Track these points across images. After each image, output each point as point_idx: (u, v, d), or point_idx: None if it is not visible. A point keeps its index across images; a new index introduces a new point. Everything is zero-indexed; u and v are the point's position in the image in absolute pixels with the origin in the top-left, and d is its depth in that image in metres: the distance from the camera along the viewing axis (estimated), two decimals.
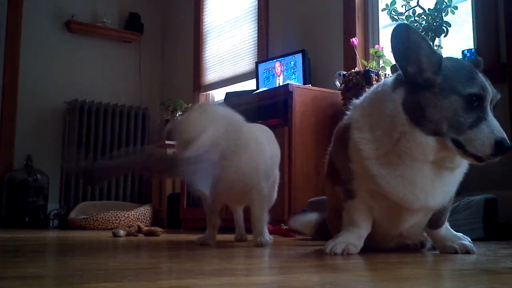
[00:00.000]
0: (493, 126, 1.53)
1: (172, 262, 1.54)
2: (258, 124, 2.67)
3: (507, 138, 1.50)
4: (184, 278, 1.11)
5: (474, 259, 1.56)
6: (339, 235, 1.78)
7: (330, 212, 2.05)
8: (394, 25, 1.60)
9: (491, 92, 1.58)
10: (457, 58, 1.71)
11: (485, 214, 2.70)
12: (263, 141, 2.38)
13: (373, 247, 1.85)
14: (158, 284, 1.01)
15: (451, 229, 1.83)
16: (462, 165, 1.69)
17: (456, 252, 1.72)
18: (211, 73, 5.90)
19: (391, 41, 1.59)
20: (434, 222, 1.78)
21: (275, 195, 2.60)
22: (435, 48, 1.71)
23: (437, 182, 1.63)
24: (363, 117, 1.68)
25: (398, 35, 1.58)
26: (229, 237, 2.83)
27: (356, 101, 1.77)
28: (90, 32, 6.22)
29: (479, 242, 2.47)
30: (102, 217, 4.86)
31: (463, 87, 1.54)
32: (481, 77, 1.59)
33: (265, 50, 5.07)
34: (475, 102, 1.54)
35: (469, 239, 1.82)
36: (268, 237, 2.28)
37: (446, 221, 1.81)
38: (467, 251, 1.72)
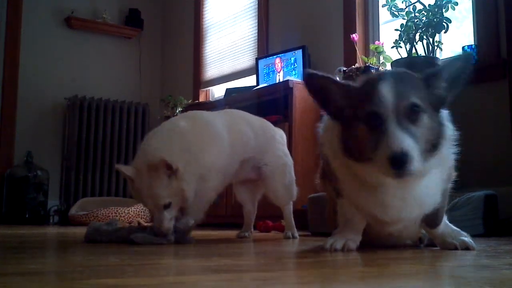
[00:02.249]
0: (388, 142, 1.41)
1: (173, 258, 1.55)
2: (232, 112, 2.69)
3: (402, 149, 1.39)
4: (184, 274, 1.11)
5: (474, 255, 1.56)
6: (337, 231, 1.79)
7: (329, 208, 2.05)
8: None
9: (392, 102, 1.45)
10: (376, 73, 1.64)
11: (485, 210, 2.70)
12: (218, 131, 2.39)
13: (369, 243, 1.85)
14: (158, 280, 1.01)
15: (451, 225, 1.81)
16: (434, 169, 1.60)
17: (456, 248, 1.71)
18: (211, 69, 5.90)
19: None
20: (430, 221, 1.76)
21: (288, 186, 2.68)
22: (344, 82, 1.65)
23: (408, 197, 1.59)
24: (328, 141, 1.71)
25: (306, 85, 1.62)
26: (229, 233, 2.83)
27: (321, 124, 1.79)
28: (90, 28, 6.21)
29: (479, 238, 2.47)
30: (102, 213, 4.86)
31: (361, 110, 1.50)
32: (383, 88, 1.47)
33: (265, 46, 5.07)
34: (375, 120, 1.46)
35: (469, 235, 1.80)
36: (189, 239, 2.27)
37: (445, 217, 1.80)
38: (466, 247, 1.70)
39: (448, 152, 1.62)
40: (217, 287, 0.94)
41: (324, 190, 2.05)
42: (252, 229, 2.84)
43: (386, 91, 1.46)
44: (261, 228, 3.37)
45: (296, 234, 2.66)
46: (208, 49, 5.97)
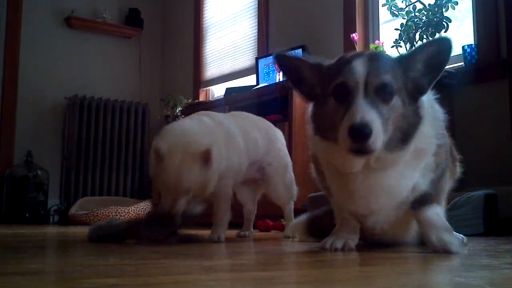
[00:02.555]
0: (352, 113, 1.36)
1: (173, 258, 1.55)
2: (235, 113, 2.69)
3: (363, 120, 1.33)
4: (184, 274, 1.11)
5: (474, 254, 1.56)
6: (335, 231, 1.78)
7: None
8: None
9: (362, 76, 1.41)
10: (353, 53, 1.56)
11: (485, 209, 2.70)
12: (235, 135, 2.41)
13: (364, 241, 1.86)
14: (158, 279, 1.01)
15: (444, 219, 1.65)
16: (410, 160, 1.53)
17: (435, 251, 1.57)
18: (211, 69, 5.90)
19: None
20: (414, 203, 1.62)
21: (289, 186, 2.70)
22: (316, 58, 1.59)
23: (375, 187, 1.53)
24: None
25: (279, 65, 1.61)
26: (229, 232, 2.84)
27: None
28: (90, 28, 6.21)
29: (479, 238, 2.47)
30: (102, 212, 4.86)
31: (331, 85, 1.46)
32: (355, 63, 1.43)
33: (265, 46, 5.07)
34: (343, 92, 1.42)
35: (460, 239, 1.70)
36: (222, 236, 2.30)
37: (440, 209, 1.67)
38: (446, 251, 1.54)
39: (429, 141, 1.55)
40: (217, 286, 0.94)
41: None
42: (252, 229, 2.85)
43: (358, 65, 1.43)
44: (261, 228, 3.38)
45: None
46: (208, 48, 5.97)
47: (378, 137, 1.35)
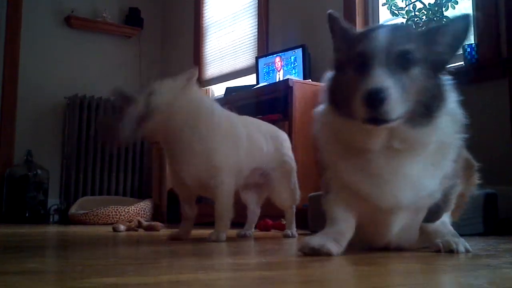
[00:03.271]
0: (368, 81, 1.30)
1: (173, 257, 1.55)
2: (246, 117, 2.71)
3: (378, 86, 1.28)
4: (184, 273, 1.11)
5: (474, 254, 1.56)
6: (317, 233, 1.57)
7: None
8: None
9: (382, 44, 1.36)
10: (385, 24, 1.55)
11: (485, 209, 2.70)
12: (240, 133, 2.41)
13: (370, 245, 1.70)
14: (158, 279, 1.02)
15: (450, 226, 1.63)
16: (430, 144, 1.45)
17: (439, 250, 1.54)
18: (211, 68, 5.90)
19: None
20: (428, 217, 1.60)
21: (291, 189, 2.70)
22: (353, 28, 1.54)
23: (399, 171, 1.43)
24: (320, 122, 1.61)
25: (329, 27, 1.56)
26: (230, 232, 2.83)
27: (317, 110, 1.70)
28: (90, 27, 6.20)
29: (479, 237, 2.47)
30: (103, 212, 4.86)
31: (352, 53, 1.41)
32: (377, 31, 1.40)
33: (265, 45, 5.07)
34: (363, 61, 1.36)
35: (461, 241, 1.58)
36: (224, 236, 2.31)
37: (447, 217, 1.65)
38: (450, 250, 1.52)
39: (452, 133, 1.49)
40: (217, 285, 0.94)
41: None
42: (253, 229, 2.86)
43: (379, 34, 1.38)
44: (261, 227, 3.37)
45: (295, 232, 2.71)
46: (208, 48, 5.97)
47: (396, 105, 1.29)
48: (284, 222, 2.89)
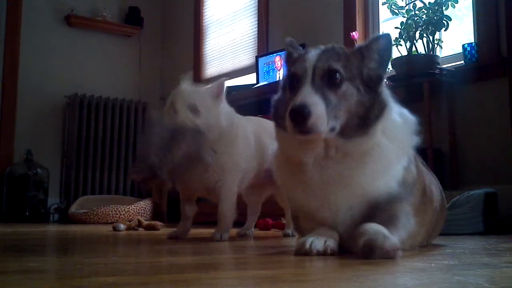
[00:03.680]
0: (296, 98, 1.40)
1: (173, 256, 1.55)
2: (252, 117, 2.70)
3: (301, 102, 1.36)
4: (184, 272, 1.11)
5: (474, 253, 1.56)
6: (311, 234, 1.50)
7: None
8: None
9: (311, 64, 1.45)
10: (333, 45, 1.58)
11: (485, 208, 2.70)
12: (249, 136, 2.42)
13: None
14: (158, 278, 1.01)
15: (385, 231, 1.38)
16: (376, 151, 1.46)
17: (357, 250, 1.36)
18: (211, 67, 5.89)
19: None
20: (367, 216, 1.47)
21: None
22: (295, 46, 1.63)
23: (329, 177, 1.45)
24: None
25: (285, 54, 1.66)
26: (230, 231, 2.83)
27: None
28: (90, 26, 6.20)
29: (479, 236, 2.47)
30: (102, 211, 4.86)
31: (288, 74, 1.54)
32: (308, 53, 1.50)
33: (265, 44, 5.06)
34: (294, 81, 1.48)
35: (393, 240, 1.35)
36: (227, 236, 2.31)
37: (392, 226, 1.44)
38: (370, 248, 1.31)
39: (403, 132, 1.52)
40: (217, 284, 0.94)
41: None
42: (253, 228, 2.86)
43: (310, 55, 1.47)
44: (261, 226, 3.38)
45: (295, 232, 2.69)
46: (208, 47, 5.97)
47: (320, 119, 1.36)
48: (284, 222, 2.90)
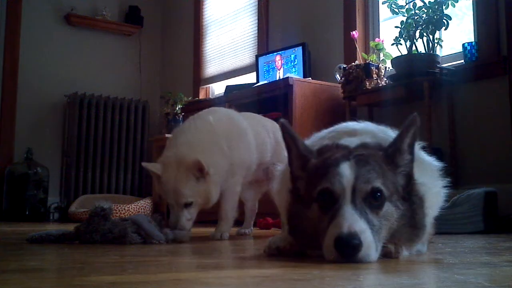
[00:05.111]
0: (338, 223, 1.21)
1: (172, 255, 1.55)
2: (252, 115, 2.72)
3: (351, 229, 1.19)
4: (183, 271, 1.11)
5: (474, 252, 1.56)
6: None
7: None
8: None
9: (350, 181, 1.26)
10: (336, 146, 1.41)
11: (485, 207, 2.70)
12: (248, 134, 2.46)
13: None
14: (158, 277, 1.01)
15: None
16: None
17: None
18: (211, 66, 5.89)
19: None
20: None
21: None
22: (308, 148, 1.43)
23: None
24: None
25: (282, 134, 1.48)
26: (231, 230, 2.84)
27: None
28: (90, 25, 6.20)
29: (479, 235, 2.47)
30: None
31: (315, 189, 1.30)
32: (342, 166, 1.29)
33: (265, 43, 5.06)
34: (328, 199, 1.27)
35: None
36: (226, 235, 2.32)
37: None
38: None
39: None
40: (217, 284, 0.94)
41: None
42: (252, 227, 2.86)
43: (345, 169, 1.28)
44: (261, 225, 3.38)
45: None
46: (208, 46, 5.97)
47: (371, 249, 1.21)
48: None
